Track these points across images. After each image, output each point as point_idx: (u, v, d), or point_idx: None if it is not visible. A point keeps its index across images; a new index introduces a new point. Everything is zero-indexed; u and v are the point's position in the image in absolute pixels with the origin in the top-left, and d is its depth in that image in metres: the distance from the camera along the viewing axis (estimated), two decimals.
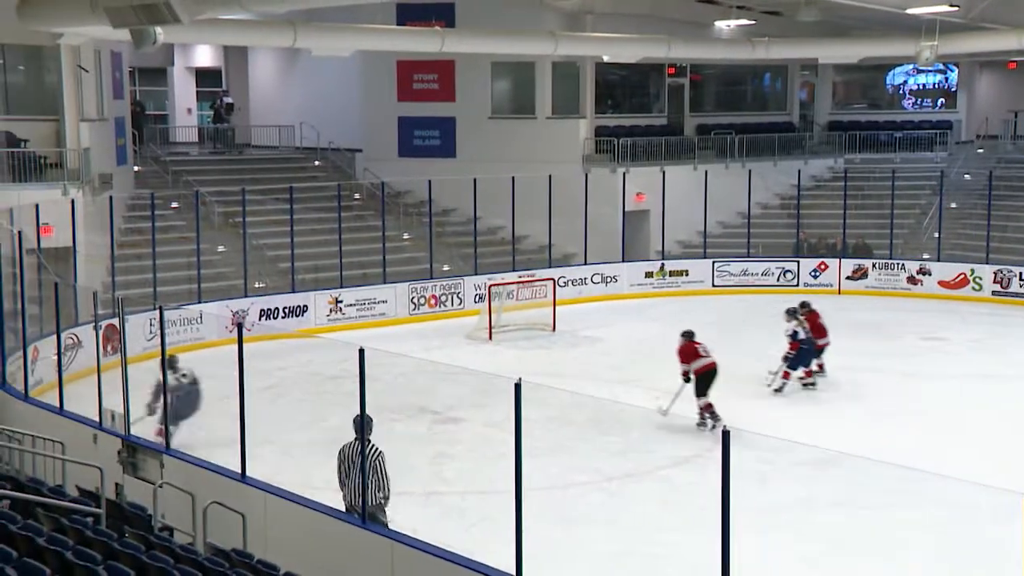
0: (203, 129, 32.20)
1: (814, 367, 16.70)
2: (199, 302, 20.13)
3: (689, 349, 14.81)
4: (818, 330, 16.82)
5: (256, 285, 21.94)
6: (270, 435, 13.54)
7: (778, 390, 16.28)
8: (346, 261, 22.47)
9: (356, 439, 9.53)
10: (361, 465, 9.33)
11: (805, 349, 16.33)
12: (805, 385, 16.55)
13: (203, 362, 17.91)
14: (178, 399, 12.80)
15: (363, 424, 9.37)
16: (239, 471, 10.22)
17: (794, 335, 16.23)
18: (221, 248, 23.11)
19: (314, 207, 24.52)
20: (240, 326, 10.72)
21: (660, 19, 26.67)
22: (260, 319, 20.52)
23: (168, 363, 12.27)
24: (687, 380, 14.66)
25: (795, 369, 16.38)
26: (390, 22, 25.53)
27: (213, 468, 10.50)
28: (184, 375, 13.33)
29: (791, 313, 16.54)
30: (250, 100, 32.15)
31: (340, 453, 9.80)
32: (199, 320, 19.56)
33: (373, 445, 9.54)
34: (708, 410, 14.48)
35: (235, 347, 10.27)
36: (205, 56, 33.79)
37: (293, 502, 9.78)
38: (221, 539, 9.03)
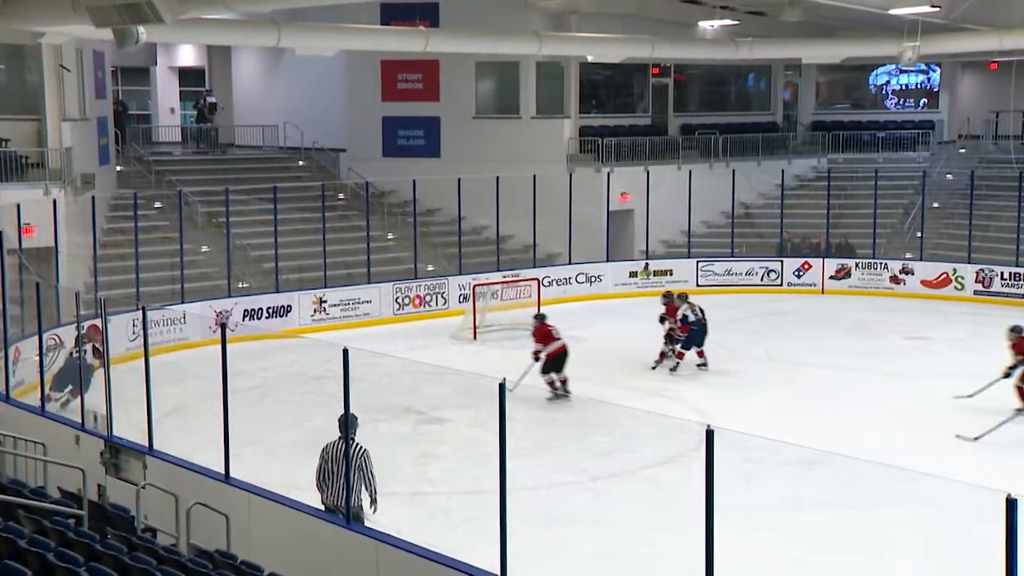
0: (186, 129, 32.05)
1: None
2: (182, 302, 20.04)
3: (543, 331, 16.16)
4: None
5: (240, 285, 21.86)
6: (254, 436, 13.48)
7: (673, 370, 17.69)
8: (330, 261, 22.41)
9: (340, 438, 9.49)
10: (346, 467, 9.28)
11: (695, 331, 17.70)
12: (699, 366, 17.79)
13: (186, 362, 17.92)
14: (64, 369, 14.99)
15: (347, 423, 9.33)
16: (223, 472, 10.16)
17: (684, 318, 17.66)
18: (205, 248, 23.02)
19: (298, 207, 24.45)
20: (223, 326, 10.66)
21: (644, 19, 26.70)
22: (244, 319, 20.44)
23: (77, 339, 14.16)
24: (536, 359, 16.00)
25: (688, 349, 17.78)
26: (374, 22, 25.48)
27: (197, 469, 10.44)
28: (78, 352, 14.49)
29: (682, 299, 18.09)
30: (234, 100, 32.04)
31: (323, 452, 9.77)
32: (182, 320, 19.46)
33: (358, 444, 9.52)
34: (563, 384, 15.93)
35: (219, 347, 10.22)
36: (188, 56, 33.66)
37: (277, 503, 9.73)
38: (204, 540, 8.98)
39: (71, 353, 15.42)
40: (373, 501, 9.59)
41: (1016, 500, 5.95)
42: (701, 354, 17.79)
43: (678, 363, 17.72)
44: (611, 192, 25.88)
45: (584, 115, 28.05)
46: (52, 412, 12.62)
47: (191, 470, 10.44)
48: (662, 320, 18.01)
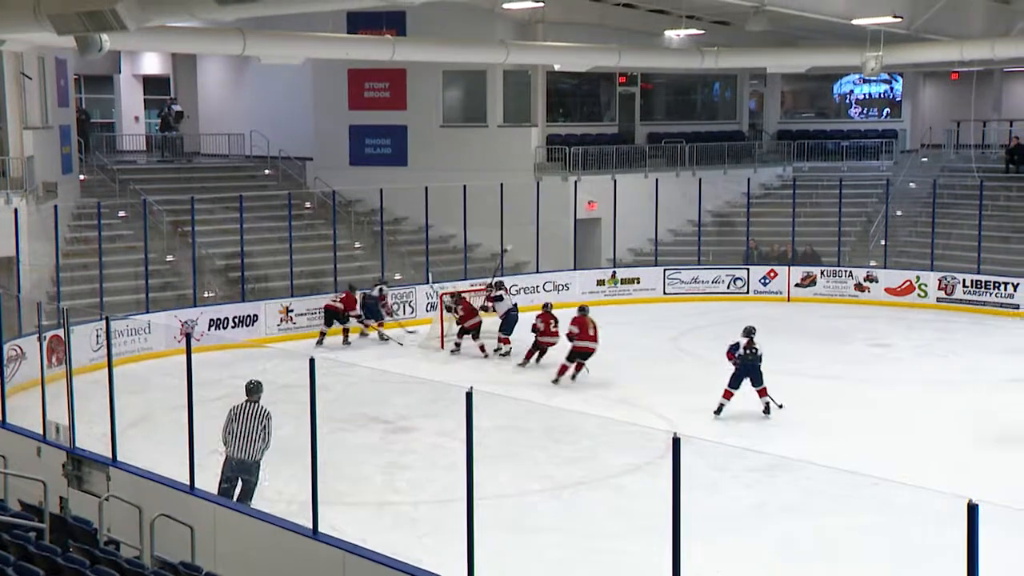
0: (151, 137, 31.80)
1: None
2: (147, 312, 19.87)
3: (582, 322, 17.42)
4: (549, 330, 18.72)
5: (205, 295, 21.71)
6: (220, 446, 13.37)
7: (505, 354, 19.33)
8: (297, 270, 22.31)
9: (246, 401, 11.14)
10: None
11: (512, 316, 19.54)
12: (504, 353, 19.34)
13: (151, 373, 17.78)
14: None
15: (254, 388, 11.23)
16: (188, 483, 10.08)
17: (511, 309, 19.74)
18: (170, 257, 22.85)
19: (264, 216, 24.32)
20: (188, 336, 10.60)
21: (610, 28, 26.82)
22: (209, 329, 20.29)
23: None
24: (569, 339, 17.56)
25: (508, 334, 19.51)
26: (341, 30, 25.41)
27: (161, 480, 10.35)
28: None
29: (501, 286, 20.50)
30: (199, 108, 31.82)
31: (230, 412, 11.15)
32: (147, 330, 19.30)
33: (262, 407, 11.06)
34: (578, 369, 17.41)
35: (184, 357, 10.15)
36: (153, 63, 33.42)
37: (242, 513, 9.68)
38: (169, 552, 8.89)
39: None
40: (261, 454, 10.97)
41: (977, 505, 6.01)
42: (507, 341, 19.55)
43: (504, 348, 19.47)
44: (578, 200, 25.93)
45: (551, 124, 28.11)
46: (12, 424, 12.45)
47: (155, 481, 10.35)
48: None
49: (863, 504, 11.31)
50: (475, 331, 19.86)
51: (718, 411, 15.43)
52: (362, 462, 13.42)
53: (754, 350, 15.39)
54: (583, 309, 17.83)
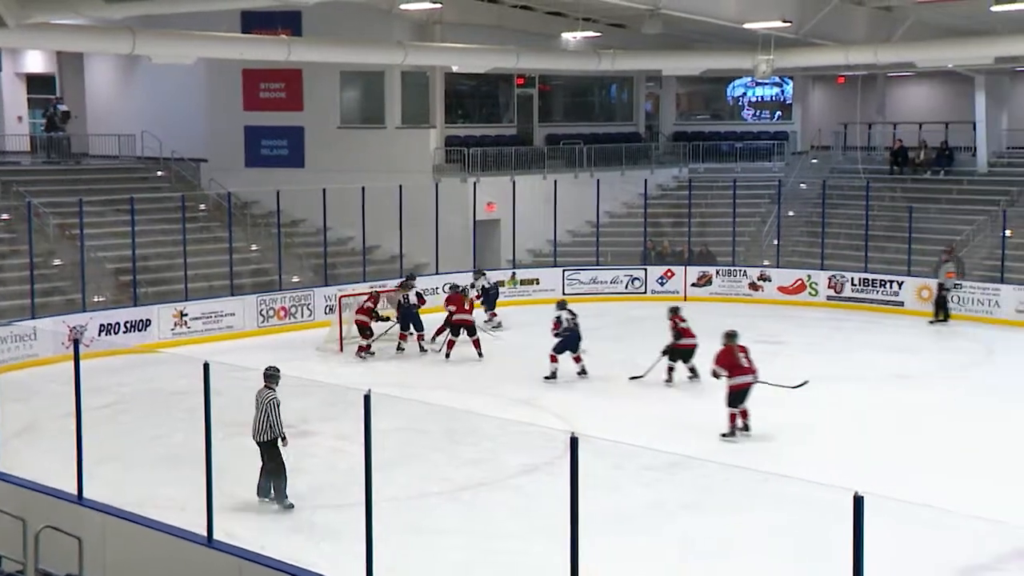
0: (35, 138, 30.78)
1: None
2: (32, 318, 19.24)
3: (678, 321, 17.79)
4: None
5: (95, 299, 21.12)
6: (110, 454, 13.03)
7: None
8: (191, 273, 21.86)
9: (264, 387, 12.09)
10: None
11: (413, 313, 20.23)
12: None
13: (37, 380, 17.23)
14: None
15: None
16: (75, 492, 9.78)
17: (416, 302, 20.48)
18: (57, 261, 22.18)
19: (157, 218, 23.75)
20: (76, 342, 10.31)
21: (508, 30, 26.91)
22: (100, 334, 19.74)
23: None
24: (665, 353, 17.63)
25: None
26: (235, 29, 25.00)
27: (47, 491, 10.03)
28: None
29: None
30: (87, 108, 30.95)
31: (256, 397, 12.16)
32: (32, 337, 18.70)
33: (269, 393, 11.97)
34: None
35: (72, 364, 9.85)
36: (37, 62, 32.35)
37: (134, 523, 9.43)
38: (55, 565, 8.63)
39: None
40: (282, 437, 11.79)
41: (863, 498, 6.17)
42: (421, 337, 19.94)
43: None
44: (477, 202, 25.96)
45: (450, 125, 28.08)
46: None
47: (41, 492, 10.03)
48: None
49: (760, 500, 11.51)
50: (470, 328, 19.69)
51: (552, 376, 17.69)
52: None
53: (574, 322, 17.83)
54: (455, 287, 20.55)
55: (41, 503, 9.81)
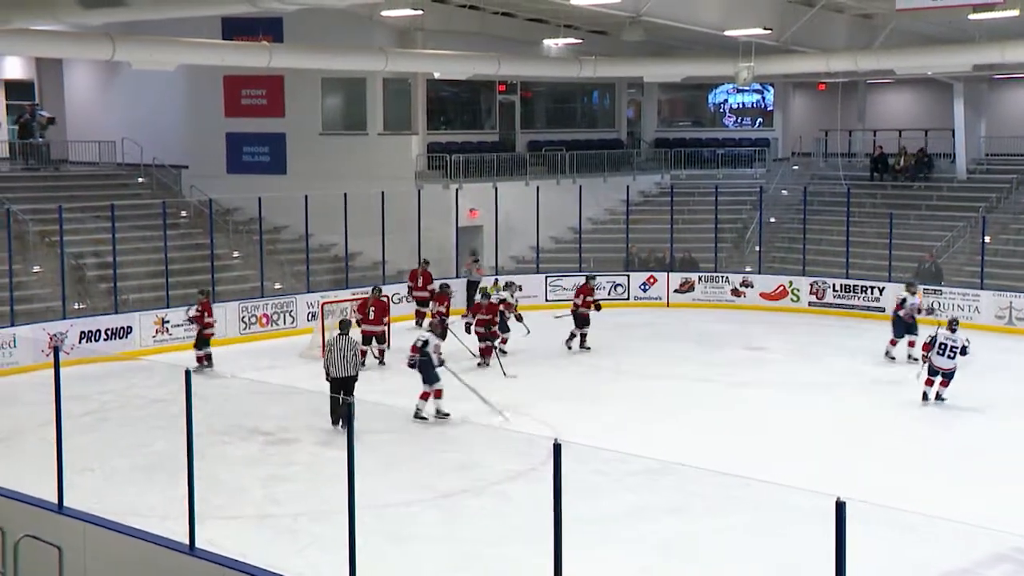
0: (13, 144, 30.58)
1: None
2: (12, 325, 19.12)
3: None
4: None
5: (76, 306, 20.99)
6: (91, 462, 12.97)
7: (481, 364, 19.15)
8: (173, 280, 21.76)
9: (339, 334, 15.52)
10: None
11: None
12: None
13: (17, 388, 17.13)
14: None
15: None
16: (56, 501, 9.71)
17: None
18: (37, 268, 22.03)
19: (138, 225, 23.64)
20: (57, 349, 10.23)
21: (490, 37, 26.93)
22: (80, 342, 19.62)
23: None
24: None
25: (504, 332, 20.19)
26: (216, 36, 24.93)
27: (26, 499, 9.93)
28: None
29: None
30: (67, 114, 30.78)
31: (328, 344, 15.83)
32: (12, 344, 18.58)
33: (352, 338, 15.55)
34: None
35: (52, 371, 9.78)
36: (15, 67, 32.16)
37: (115, 531, 9.35)
38: (35, 575, 8.55)
39: None
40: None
41: (844, 503, 6.19)
42: (504, 341, 19.84)
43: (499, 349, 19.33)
44: (460, 208, 25.95)
45: (432, 131, 28.07)
46: None
47: (20, 501, 9.93)
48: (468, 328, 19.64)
49: (744, 505, 11.53)
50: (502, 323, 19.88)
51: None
52: (241, 474, 13.14)
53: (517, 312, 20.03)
54: (424, 259, 22.63)
55: (21, 512, 9.72)
